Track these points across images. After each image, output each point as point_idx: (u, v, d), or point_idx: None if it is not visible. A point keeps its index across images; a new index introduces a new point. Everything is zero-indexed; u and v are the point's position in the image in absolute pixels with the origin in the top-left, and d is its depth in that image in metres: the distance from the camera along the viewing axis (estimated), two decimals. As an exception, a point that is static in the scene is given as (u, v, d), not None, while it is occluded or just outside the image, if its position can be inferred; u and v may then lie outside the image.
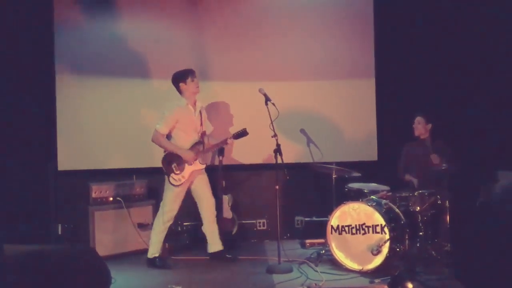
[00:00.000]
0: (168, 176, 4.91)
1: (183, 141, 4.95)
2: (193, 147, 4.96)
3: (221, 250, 5.12)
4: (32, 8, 5.51)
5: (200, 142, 5.02)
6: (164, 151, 4.96)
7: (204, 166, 5.05)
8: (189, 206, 5.89)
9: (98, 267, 3.77)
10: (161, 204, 5.03)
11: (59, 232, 5.61)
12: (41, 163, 5.61)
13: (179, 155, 4.89)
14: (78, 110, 5.74)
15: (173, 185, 4.91)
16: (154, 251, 5.02)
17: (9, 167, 5.35)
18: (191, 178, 4.99)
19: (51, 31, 5.60)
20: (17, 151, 5.42)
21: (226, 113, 5.84)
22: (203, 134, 5.11)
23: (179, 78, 4.96)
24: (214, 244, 5.12)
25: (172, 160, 4.91)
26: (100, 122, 5.78)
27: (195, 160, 4.95)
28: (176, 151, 4.90)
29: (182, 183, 4.92)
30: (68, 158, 5.68)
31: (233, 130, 5.81)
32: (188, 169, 4.93)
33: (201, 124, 5.06)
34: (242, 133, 4.95)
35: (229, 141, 4.99)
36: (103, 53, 5.78)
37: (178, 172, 4.89)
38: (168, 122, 4.88)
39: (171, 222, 5.06)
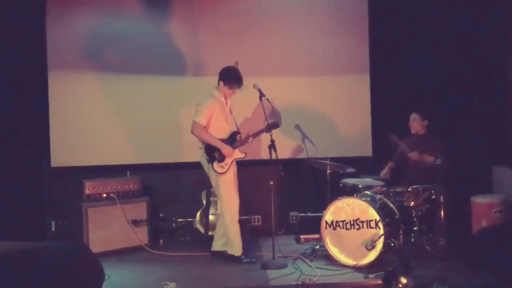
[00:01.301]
0: (212, 164, 4.86)
1: (219, 131, 4.90)
2: (231, 136, 4.94)
3: (223, 251, 5.04)
4: (24, 4, 5.47)
5: (237, 132, 5.00)
6: (203, 142, 4.92)
7: (244, 155, 4.98)
8: (183, 203, 5.90)
9: (92, 263, 3.76)
10: (219, 202, 4.97)
11: (53, 229, 5.59)
12: (34, 160, 5.58)
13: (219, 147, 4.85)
14: (71, 106, 5.70)
15: (219, 173, 4.85)
16: (239, 250, 4.90)
17: (1, 164, 5.31)
18: (233, 167, 4.95)
19: (44, 26, 5.56)
20: (10, 148, 5.39)
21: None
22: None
23: (226, 79, 4.89)
24: (219, 243, 5.05)
25: (214, 148, 4.87)
26: (93, 118, 5.75)
27: (234, 150, 4.89)
28: (216, 144, 4.83)
29: (226, 170, 4.86)
30: (62, 155, 5.64)
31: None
32: (229, 157, 4.90)
33: (231, 113, 5.05)
34: (274, 125, 4.84)
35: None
36: (95, 49, 5.75)
37: (221, 159, 4.85)
38: (205, 113, 4.83)
39: (238, 216, 4.94)
